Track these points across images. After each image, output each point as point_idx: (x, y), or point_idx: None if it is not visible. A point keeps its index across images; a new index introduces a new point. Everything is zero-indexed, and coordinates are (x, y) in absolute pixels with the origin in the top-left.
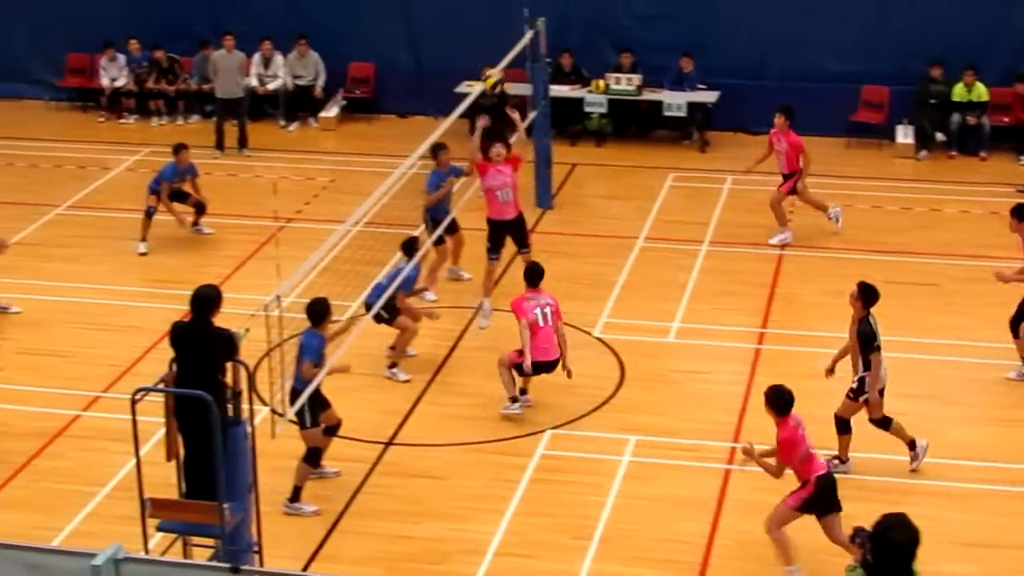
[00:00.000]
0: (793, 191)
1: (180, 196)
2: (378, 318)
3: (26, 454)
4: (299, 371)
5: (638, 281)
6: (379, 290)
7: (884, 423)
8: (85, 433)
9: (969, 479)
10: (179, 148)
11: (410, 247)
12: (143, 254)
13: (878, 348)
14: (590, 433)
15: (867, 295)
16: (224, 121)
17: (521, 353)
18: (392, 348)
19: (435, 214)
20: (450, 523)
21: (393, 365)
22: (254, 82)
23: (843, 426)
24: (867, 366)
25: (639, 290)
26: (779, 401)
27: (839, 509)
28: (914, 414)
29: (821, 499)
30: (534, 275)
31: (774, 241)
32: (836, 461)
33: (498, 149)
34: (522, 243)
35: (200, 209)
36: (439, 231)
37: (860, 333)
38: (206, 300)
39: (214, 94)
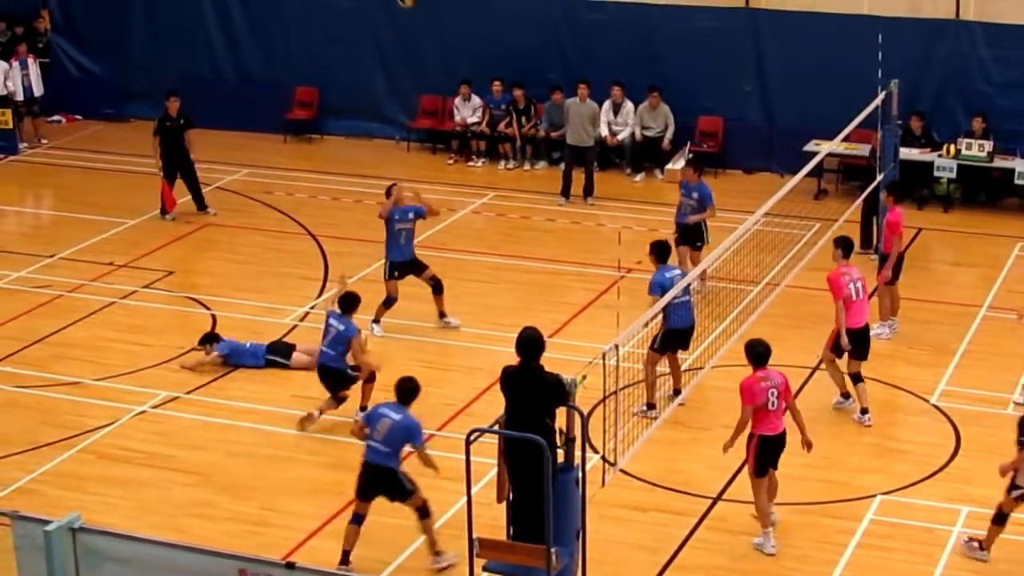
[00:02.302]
0: (891, 281)
1: (418, 269)
2: None
3: None
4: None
5: (979, 350)
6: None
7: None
8: (417, 469)
9: None
10: (391, 189)
11: None
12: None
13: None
14: (922, 501)
15: None
16: (572, 168)
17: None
18: None
19: None
20: None
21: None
22: (604, 131)
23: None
24: None
25: (980, 359)
26: (753, 352)
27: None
28: None
29: (765, 455)
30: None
31: (883, 336)
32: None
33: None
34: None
35: (437, 287)
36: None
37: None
38: (532, 343)
39: (564, 140)
